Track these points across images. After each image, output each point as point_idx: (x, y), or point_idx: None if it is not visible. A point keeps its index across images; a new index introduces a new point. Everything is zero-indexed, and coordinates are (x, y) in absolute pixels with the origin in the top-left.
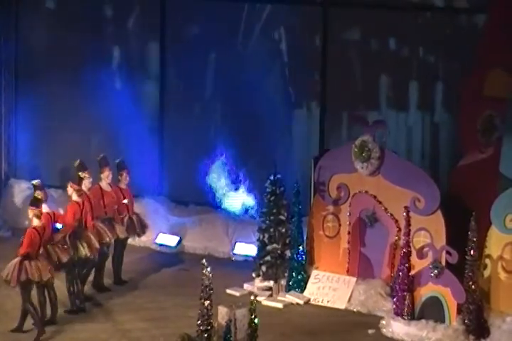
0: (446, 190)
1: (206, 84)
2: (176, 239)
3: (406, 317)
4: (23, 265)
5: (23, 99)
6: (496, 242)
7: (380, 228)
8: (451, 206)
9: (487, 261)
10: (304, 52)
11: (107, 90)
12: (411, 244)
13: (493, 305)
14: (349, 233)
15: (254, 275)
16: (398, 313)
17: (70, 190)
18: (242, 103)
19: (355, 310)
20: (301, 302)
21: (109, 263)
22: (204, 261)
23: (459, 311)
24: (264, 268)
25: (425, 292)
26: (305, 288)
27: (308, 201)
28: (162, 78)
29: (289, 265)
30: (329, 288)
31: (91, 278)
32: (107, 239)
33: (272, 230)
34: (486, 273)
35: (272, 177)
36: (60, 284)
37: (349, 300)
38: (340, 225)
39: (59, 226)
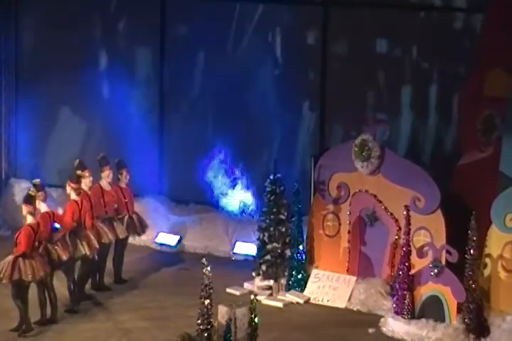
0: (446, 189)
1: (206, 84)
2: (176, 238)
3: (406, 316)
4: (17, 263)
5: (24, 98)
6: (496, 241)
7: (380, 227)
8: (451, 205)
9: (487, 260)
10: (304, 51)
11: (107, 90)
12: (411, 243)
13: (493, 304)
14: (349, 232)
15: (254, 274)
16: (398, 312)
17: (68, 188)
18: (242, 102)
19: (355, 309)
20: (301, 301)
21: (109, 263)
22: (204, 260)
23: (459, 310)
24: (264, 267)
25: (425, 291)
26: (305, 287)
27: (308, 200)
28: (161, 77)
29: (289, 264)
30: (329, 287)
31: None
32: (107, 240)
33: (272, 229)
34: (486, 272)
35: (271, 177)
36: (59, 284)
37: (349, 299)
38: (340, 224)
39: (58, 225)
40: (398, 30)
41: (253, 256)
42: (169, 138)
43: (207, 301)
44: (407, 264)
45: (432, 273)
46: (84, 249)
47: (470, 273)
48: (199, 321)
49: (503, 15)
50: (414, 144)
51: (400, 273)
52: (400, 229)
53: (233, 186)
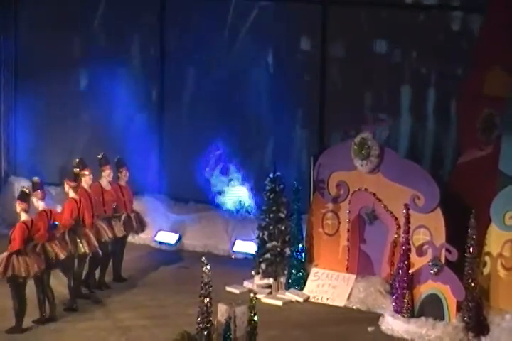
0: (445, 188)
1: (206, 83)
2: (176, 236)
3: (405, 315)
4: (11, 260)
5: (23, 97)
6: (495, 239)
7: (379, 225)
8: (451, 203)
9: (486, 258)
10: (302, 51)
11: (106, 89)
12: (410, 242)
13: (492, 302)
14: (349, 230)
15: (253, 272)
16: (398, 311)
17: (66, 187)
18: (241, 101)
19: (354, 307)
20: (300, 299)
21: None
22: (204, 258)
23: (459, 308)
24: (263, 265)
25: (425, 289)
26: (304, 285)
27: (307, 199)
28: (162, 77)
29: (289, 262)
30: (329, 285)
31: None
32: (107, 238)
33: (271, 228)
34: (486, 270)
35: (271, 175)
36: (57, 282)
37: (348, 297)
38: (339, 223)
39: (57, 223)
40: (397, 30)
41: (253, 255)
42: (169, 137)
43: (206, 299)
44: (406, 263)
45: (432, 272)
46: (83, 247)
47: (469, 271)
48: (199, 319)
49: (503, 15)
50: (413, 143)
51: (400, 271)
52: (399, 227)
53: (231, 184)
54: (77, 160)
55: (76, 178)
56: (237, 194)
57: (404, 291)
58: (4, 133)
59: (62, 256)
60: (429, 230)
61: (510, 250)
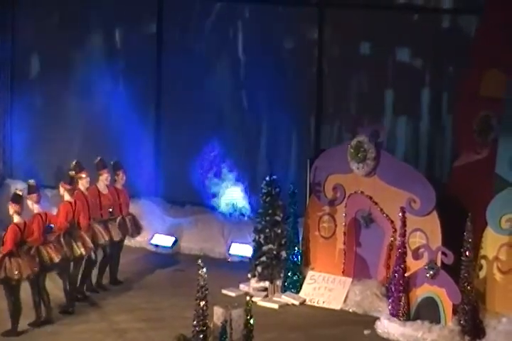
0: (442, 191)
1: (203, 85)
2: (172, 239)
3: (402, 318)
4: (4, 262)
5: (19, 99)
6: (491, 243)
7: (375, 229)
8: (447, 207)
9: (483, 261)
10: (299, 52)
11: (103, 91)
12: (407, 245)
13: (488, 305)
14: (345, 234)
15: (249, 275)
16: (394, 314)
17: (61, 189)
18: (239, 104)
19: (350, 310)
20: (296, 302)
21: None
22: (200, 261)
23: (455, 312)
24: (259, 268)
25: (421, 293)
26: (301, 288)
27: (304, 201)
28: (159, 78)
29: (285, 265)
30: (325, 288)
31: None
32: (103, 241)
33: (267, 231)
34: (482, 273)
35: (267, 178)
36: (53, 285)
37: (345, 300)
38: (335, 226)
39: (52, 226)
40: (395, 31)
41: (249, 258)
42: (165, 140)
43: (202, 302)
44: (402, 266)
45: (428, 275)
46: (79, 250)
47: (465, 274)
48: (195, 322)
49: (500, 16)
50: (410, 145)
51: (396, 274)
52: (395, 230)
53: (225, 186)
54: (74, 162)
55: (71, 181)
56: (231, 196)
57: (401, 294)
58: (0, 135)
59: (56, 259)
60: (425, 233)
61: (506, 253)
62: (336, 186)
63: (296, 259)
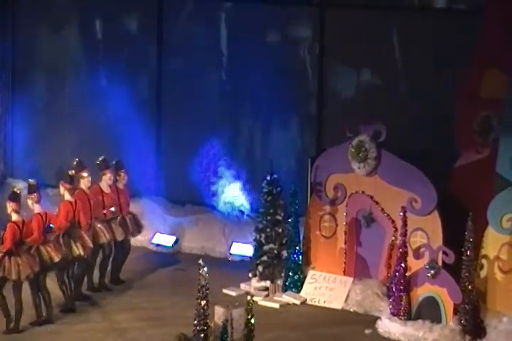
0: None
1: (204, 85)
2: (173, 238)
3: (402, 318)
4: (3, 261)
5: (20, 98)
6: (492, 242)
7: (376, 228)
8: (448, 206)
9: (483, 261)
10: (301, 52)
11: (104, 91)
12: (408, 244)
13: (489, 305)
14: (346, 233)
15: (250, 275)
16: (395, 313)
17: (62, 189)
18: (240, 104)
19: (351, 310)
20: (297, 302)
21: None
22: (201, 260)
23: (456, 311)
24: (260, 268)
25: (422, 292)
26: (302, 288)
27: (305, 201)
28: (159, 78)
29: (286, 265)
30: (326, 288)
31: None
32: (104, 240)
33: (268, 230)
34: (483, 273)
35: (268, 178)
36: (54, 284)
37: (346, 300)
38: (337, 225)
39: (52, 226)
40: (396, 31)
41: (250, 257)
42: (166, 140)
43: (203, 302)
44: (403, 265)
45: (429, 275)
46: (78, 250)
47: (466, 274)
48: (195, 322)
49: (501, 16)
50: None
51: (397, 274)
52: (396, 230)
53: (225, 185)
54: (75, 161)
55: (71, 180)
56: (230, 195)
57: (402, 294)
58: (1, 134)
59: (56, 258)
60: (426, 233)
61: (507, 253)
62: (337, 185)
63: (297, 259)
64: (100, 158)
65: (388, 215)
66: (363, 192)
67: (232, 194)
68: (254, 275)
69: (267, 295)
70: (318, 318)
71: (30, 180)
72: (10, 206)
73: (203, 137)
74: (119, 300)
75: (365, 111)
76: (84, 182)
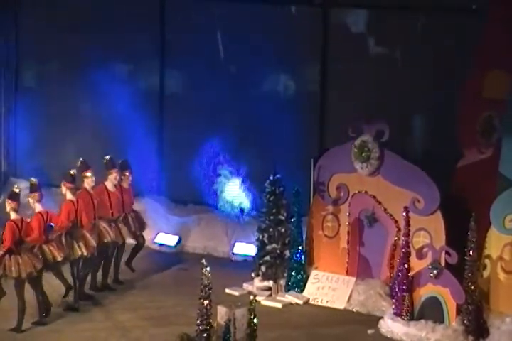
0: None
1: (206, 85)
2: (176, 238)
3: (405, 318)
4: (3, 260)
5: (23, 98)
6: (495, 243)
7: (379, 228)
8: (451, 206)
9: (486, 261)
10: (304, 52)
11: (107, 90)
12: (410, 245)
13: (492, 305)
14: (348, 233)
15: (253, 275)
16: (397, 313)
17: (63, 188)
18: (242, 104)
19: (354, 310)
20: (300, 302)
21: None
22: (203, 260)
23: (459, 311)
24: (263, 268)
25: (424, 292)
26: (304, 288)
27: (307, 201)
28: (162, 78)
29: (289, 265)
30: (328, 288)
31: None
32: (109, 240)
33: (271, 230)
34: (486, 273)
35: (271, 177)
36: (57, 283)
37: (348, 300)
38: (339, 225)
39: (52, 225)
40: (398, 31)
41: (252, 257)
42: (168, 140)
43: (206, 301)
44: (406, 265)
45: (431, 275)
46: (80, 250)
47: (469, 274)
48: (198, 321)
49: (504, 16)
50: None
51: (399, 274)
52: (399, 230)
53: (226, 184)
54: (80, 161)
55: (73, 180)
56: (231, 194)
57: (404, 294)
58: (4, 134)
59: (59, 258)
60: (429, 233)
61: (510, 253)
62: (340, 185)
63: (299, 258)
64: (107, 157)
65: (391, 215)
66: (365, 192)
67: (233, 193)
68: (257, 275)
69: (270, 295)
70: (320, 318)
71: (31, 178)
72: (9, 204)
73: (205, 137)
74: (122, 299)
75: (368, 111)
76: (88, 182)
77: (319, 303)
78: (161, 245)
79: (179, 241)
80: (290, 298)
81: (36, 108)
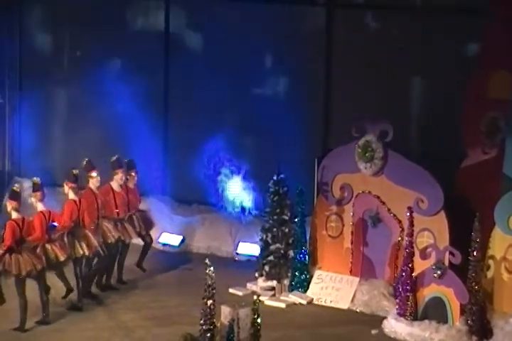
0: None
1: (210, 85)
2: (179, 238)
3: (409, 318)
4: (4, 258)
5: (27, 98)
6: (499, 243)
7: (383, 228)
8: (455, 206)
9: (490, 261)
10: (307, 53)
11: (111, 90)
12: (414, 245)
13: (496, 306)
14: (352, 233)
15: (257, 275)
16: (401, 314)
17: (66, 188)
18: (246, 104)
19: (358, 310)
20: (304, 302)
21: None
22: (207, 260)
23: (462, 312)
24: (267, 267)
25: (428, 292)
26: (308, 288)
27: (311, 201)
28: (166, 77)
29: (292, 265)
30: (332, 288)
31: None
32: (112, 239)
33: (275, 230)
34: (489, 273)
35: (275, 177)
36: (61, 283)
37: (352, 300)
38: (343, 225)
39: (54, 224)
40: (401, 31)
41: (256, 257)
42: (173, 139)
43: (210, 301)
44: (410, 266)
45: (435, 275)
46: (82, 249)
47: (473, 274)
48: (202, 321)
49: (508, 17)
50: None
51: (403, 274)
52: (403, 230)
53: (230, 183)
54: (85, 161)
55: (76, 179)
56: (234, 193)
57: (408, 294)
58: (9, 133)
59: (62, 257)
60: (433, 233)
61: None
62: (344, 185)
63: (303, 258)
64: (114, 157)
65: (395, 215)
66: (369, 192)
67: (235, 192)
68: (261, 275)
69: (274, 295)
70: (324, 318)
71: (34, 178)
72: (9, 204)
73: (209, 137)
74: (125, 299)
75: (372, 111)
76: (93, 182)
77: (323, 303)
78: (164, 245)
79: (183, 241)
80: (294, 297)
81: (40, 107)
